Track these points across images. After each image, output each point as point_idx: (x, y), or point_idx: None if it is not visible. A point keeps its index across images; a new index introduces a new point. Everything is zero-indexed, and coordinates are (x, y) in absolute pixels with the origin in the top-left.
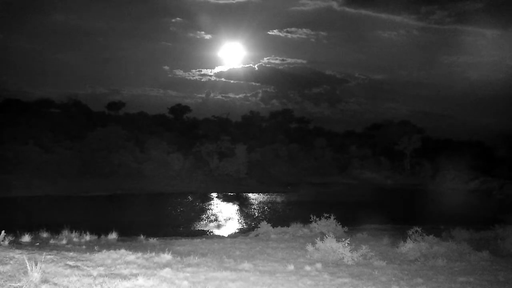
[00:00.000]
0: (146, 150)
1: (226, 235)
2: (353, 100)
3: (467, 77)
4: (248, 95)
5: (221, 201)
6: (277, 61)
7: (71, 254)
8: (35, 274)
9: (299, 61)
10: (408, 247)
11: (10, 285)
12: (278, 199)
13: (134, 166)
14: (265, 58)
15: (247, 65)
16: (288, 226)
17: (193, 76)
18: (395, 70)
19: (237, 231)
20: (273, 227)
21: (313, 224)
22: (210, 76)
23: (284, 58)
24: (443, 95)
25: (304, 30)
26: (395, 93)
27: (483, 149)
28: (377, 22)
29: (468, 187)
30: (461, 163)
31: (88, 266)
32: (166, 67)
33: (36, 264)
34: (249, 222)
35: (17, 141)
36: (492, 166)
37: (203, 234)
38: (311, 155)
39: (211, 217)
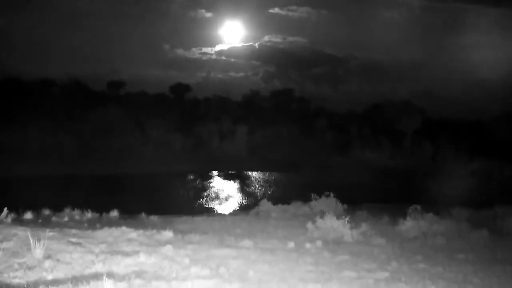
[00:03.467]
0: (147, 129)
1: (227, 213)
2: (354, 80)
3: (470, 57)
4: (249, 74)
5: (222, 180)
6: (278, 39)
7: (73, 231)
8: (38, 251)
9: (300, 39)
10: (408, 225)
11: (14, 261)
12: (279, 178)
13: (135, 146)
14: (266, 37)
15: (247, 44)
16: (288, 204)
17: (193, 55)
18: (397, 50)
19: (237, 209)
20: (273, 205)
21: (314, 203)
22: (211, 54)
23: (285, 37)
24: (446, 75)
25: (305, 8)
26: (396, 74)
27: (485, 130)
28: (379, 0)
29: (469, 167)
30: (462, 144)
31: (90, 243)
32: (167, 46)
33: (39, 241)
34: (249, 200)
35: (17, 121)
36: (493, 147)
37: (204, 212)
38: (312, 135)
39: (212, 195)
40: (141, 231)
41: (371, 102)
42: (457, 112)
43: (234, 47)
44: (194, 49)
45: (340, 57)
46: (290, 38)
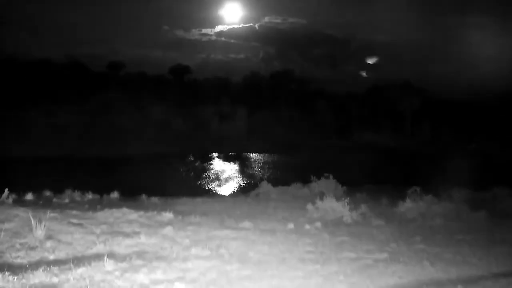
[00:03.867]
0: (147, 111)
1: (227, 195)
2: (354, 62)
3: (472, 37)
4: (249, 55)
5: (222, 161)
6: (278, 20)
7: (74, 212)
8: (40, 231)
9: (300, 20)
10: (407, 206)
11: (16, 241)
12: (279, 159)
13: (135, 127)
14: (266, 18)
15: (247, 25)
16: (288, 186)
17: (193, 36)
18: (398, 31)
19: (237, 190)
20: (273, 187)
21: (313, 184)
22: (211, 35)
23: (285, 18)
24: (446, 56)
25: None
26: (396, 55)
27: (485, 111)
28: None
29: (468, 149)
30: (462, 125)
31: (91, 224)
32: (166, 27)
33: (40, 222)
34: (249, 182)
35: (17, 101)
36: (493, 128)
37: (204, 193)
38: (312, 117)
39: (212, 176)
40: (141, 212)
41: (371, 84)
42: (457, 93)
43: (234, 28)
44: (193, 30)
45: (340, 38)
46: (290, 19)
